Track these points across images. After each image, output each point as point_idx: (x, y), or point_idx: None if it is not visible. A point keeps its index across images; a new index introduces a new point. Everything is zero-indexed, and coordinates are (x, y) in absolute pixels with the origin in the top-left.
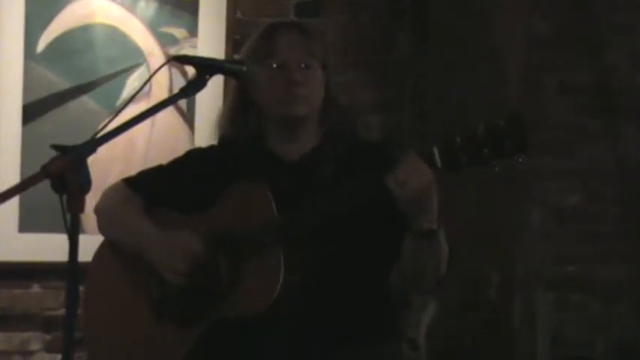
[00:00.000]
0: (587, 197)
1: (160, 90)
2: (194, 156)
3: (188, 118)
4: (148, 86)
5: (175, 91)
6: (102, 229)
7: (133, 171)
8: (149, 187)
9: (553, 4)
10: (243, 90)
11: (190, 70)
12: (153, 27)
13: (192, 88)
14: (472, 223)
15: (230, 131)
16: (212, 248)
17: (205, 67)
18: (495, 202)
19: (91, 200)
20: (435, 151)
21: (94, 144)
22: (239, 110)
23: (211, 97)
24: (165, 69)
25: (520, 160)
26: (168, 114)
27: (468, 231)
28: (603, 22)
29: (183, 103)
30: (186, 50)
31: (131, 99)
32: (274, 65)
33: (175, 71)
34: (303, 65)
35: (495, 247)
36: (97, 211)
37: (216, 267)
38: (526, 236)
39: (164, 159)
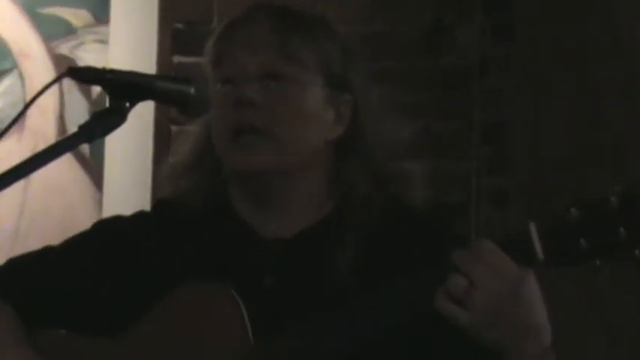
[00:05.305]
0: None
1: (42, 118)
2: (109, 232)
3: (93, 167)
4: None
5: (69, 119)
6: None
7: None
8: (28, 286)
9: None
10: (209, 127)
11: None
12: (29, 6)
13: (102, 124)
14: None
15: (181, 192)
16: None
17: (124, 89)
18: (624, 304)
19: None
20: (533, 231)
21: None
22: (202, 159)
23: (133, 132)
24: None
25: None
26: (58, 161)
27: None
28: None
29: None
30: (90, 47)
31: None
32: (220, 83)
33: (70, 83)
34: (268, 76)
35: None
36: None
37: None
38: None
39: (48, 237)
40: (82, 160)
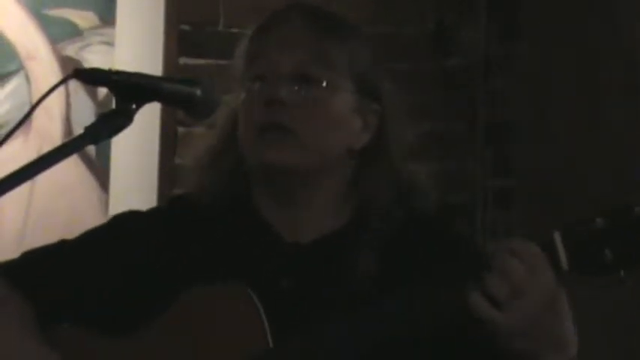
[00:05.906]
0: None
1: (48, 119)
2: (125, 226)
3: (99, 169)
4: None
5: (75, 120)
6: None
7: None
8: (43, 281)
9: None
10: (234, 124)
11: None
12: (35, 8)
13: (108, 126)
14: None
15: (201, 188)
16: None
17: (131, 91)
18: (627, 306)
19: None
20: (558, 240)
21: None
22: (223, 155)
23: (139, 134)
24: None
25: None
26: (64, 163)
27: None
28: None
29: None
30: (96, 49)
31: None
32: (251, 80)
33: (76, 85)
34: (300, 77)
35: None
36: None
37: None
38: None
39: (54, 238)
40: (88, 161)
